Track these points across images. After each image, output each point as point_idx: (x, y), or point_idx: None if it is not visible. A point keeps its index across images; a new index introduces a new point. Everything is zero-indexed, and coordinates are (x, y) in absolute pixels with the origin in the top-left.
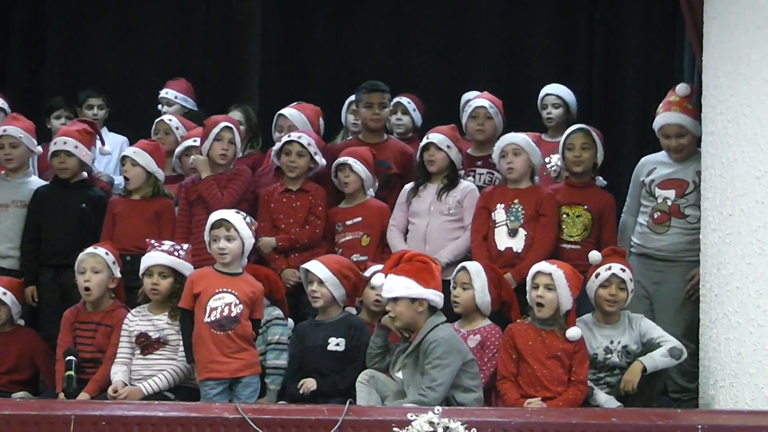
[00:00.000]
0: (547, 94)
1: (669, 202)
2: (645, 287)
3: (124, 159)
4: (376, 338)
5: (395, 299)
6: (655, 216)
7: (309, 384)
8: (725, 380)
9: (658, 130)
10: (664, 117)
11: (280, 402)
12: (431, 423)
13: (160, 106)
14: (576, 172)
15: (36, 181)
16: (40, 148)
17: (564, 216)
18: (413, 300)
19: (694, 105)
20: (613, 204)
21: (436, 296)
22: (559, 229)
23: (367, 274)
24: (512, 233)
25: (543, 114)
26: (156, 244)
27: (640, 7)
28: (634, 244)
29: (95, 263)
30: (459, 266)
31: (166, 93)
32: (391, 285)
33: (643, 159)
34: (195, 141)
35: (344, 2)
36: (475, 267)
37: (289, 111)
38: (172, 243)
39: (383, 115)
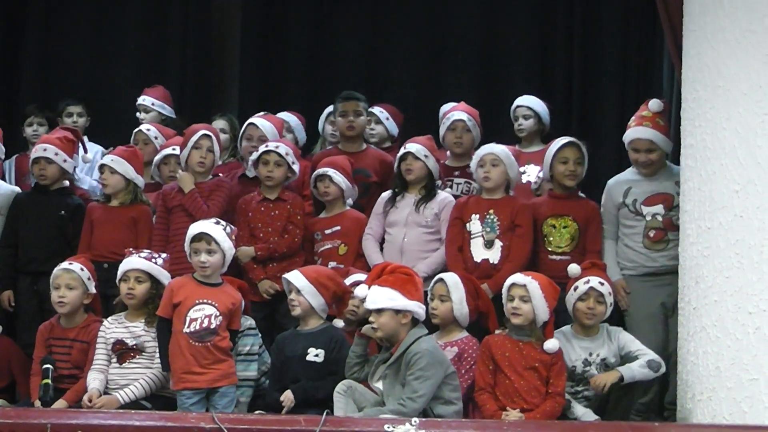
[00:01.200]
0: (518, 106)
1: (660, 218)
2: (662, 303)
3: (102, 167)
4: (356, 347)
5: (379, 310)
6: (651, 234)
7: (288, 399)
8: (703, 394)
9: (628, 144)
10: (636, 131)
11: (257, 411)
12: None
13: (138, 113)
14: (568, 186)
15: (4, 186)
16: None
17: (551, 228)
18: (397, 311)
19: (665, 121)
20: (597, 211)
21: (419, 308)
22: (546, 241)
23: (348, 281)
24: (488, 244)
25: (515, 125)
26: (134, 252)
27: (618, 19)
28: (630, 266)
29: (70, 279)
30: (436, 278)
31: (143, 100)
32: (376, 296)
33: (611, 181)
34: (174, 149)
35: (324, 11)
36: (452, 278)
37: (260, 121)
38: (149, 251)
39: (358, 123)
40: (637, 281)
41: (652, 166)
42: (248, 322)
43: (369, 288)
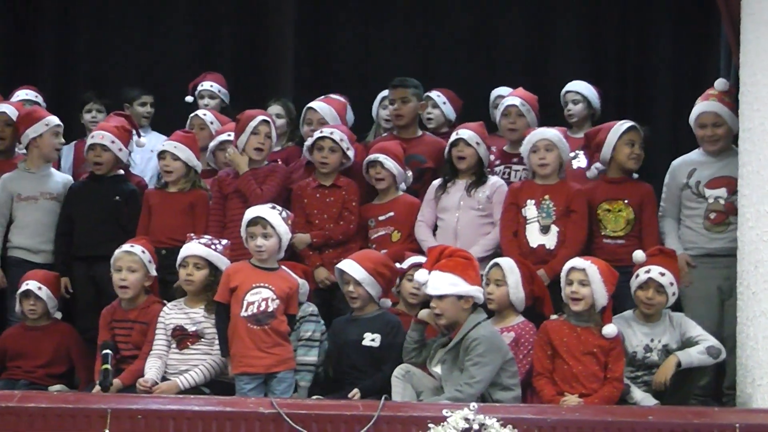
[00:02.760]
0: (567, 92)
1: (722, 201)
2: (719, 286)
3: (163, 153)
4: (413, 333)
5: (441, 296)
6: (712, 216)
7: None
8: (763, 379)
9: (694, 120)
10: (702, 105)
11: (315, 397)
12: (467, 419)
13: (193, 97)
14: (632, 168)
15: (58, 174)
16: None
17: (605, 212)
18: (459, 297)
19: (732, 100)
20: (652, 193)
21: (480, 293)
22: (601, 226)
23: (405, 265)
24: (544, 230)
25: (565, 111)
26: (195, 237)
27: (673, 3)
28: (690, 247)
29: (131, 262)
30: (492, 262)
31: (211, 86)
32: (437, 282)
33: (676, 162)
34: (230, 135)
35: None
36: (508, 263)
37: (318, 104)
38: (210, 237)
39: (405, 110)
40: (695, 262)
41: (718, 142)
42: (311, 308)
43: (429, 273)
